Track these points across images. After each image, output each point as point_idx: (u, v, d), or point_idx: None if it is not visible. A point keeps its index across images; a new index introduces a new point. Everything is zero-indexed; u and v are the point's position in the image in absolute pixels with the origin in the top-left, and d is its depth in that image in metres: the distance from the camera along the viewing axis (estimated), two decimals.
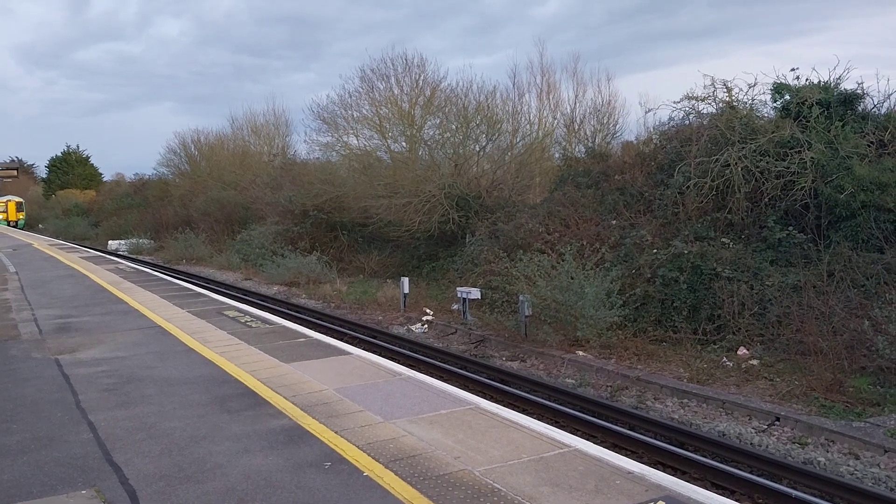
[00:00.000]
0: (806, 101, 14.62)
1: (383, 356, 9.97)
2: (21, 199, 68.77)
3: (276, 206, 29.44)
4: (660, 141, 18.03)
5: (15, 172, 72.14)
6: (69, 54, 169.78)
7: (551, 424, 6.97)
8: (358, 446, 5.29)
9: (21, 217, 66.74)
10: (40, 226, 60.64)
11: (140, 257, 35.14)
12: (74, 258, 23.90)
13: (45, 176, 78.25)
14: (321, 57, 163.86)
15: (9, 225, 62.73)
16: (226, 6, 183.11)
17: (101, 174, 76.43)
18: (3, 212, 66.10)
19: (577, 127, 25.73)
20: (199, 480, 4.72)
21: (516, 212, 19.49)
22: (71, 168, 74.58)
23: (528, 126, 25.57)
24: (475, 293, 15.81)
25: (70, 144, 78.38)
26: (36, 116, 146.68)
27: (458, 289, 16.52)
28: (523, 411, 9.10)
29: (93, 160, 77.84)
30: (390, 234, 23.69)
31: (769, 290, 12.53)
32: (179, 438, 5.55)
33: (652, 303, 13.65)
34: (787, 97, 15.23)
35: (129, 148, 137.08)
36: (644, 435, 9.03)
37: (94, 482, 4.73)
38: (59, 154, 76.30)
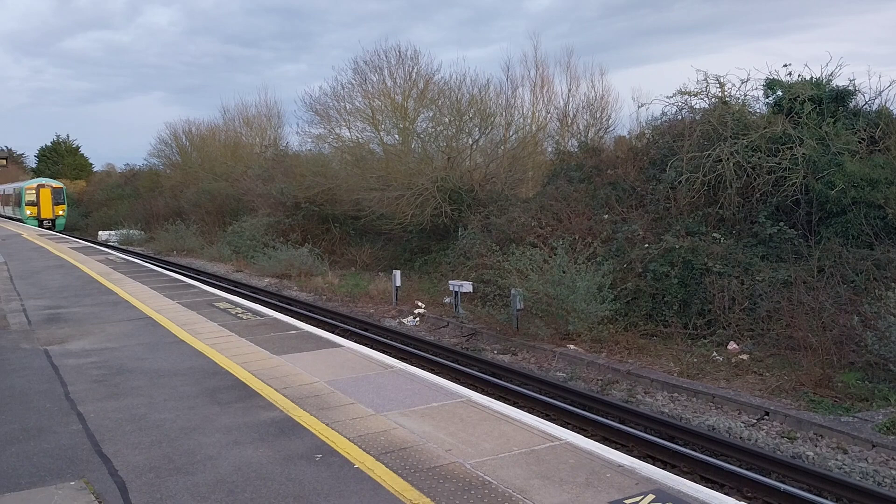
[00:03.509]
0: (798, 97, 14.67)
1: (375, 349, 9.97)
2: (61, 185, 48.28)
3: (267, 198, 29.34)
4: (652, 136, 18.06)
5: (4, 162, 70.22)
6: (57, 43, 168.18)
7: (542, 418, 6.97)
8: (349, 438, 5.29)
9: (61, 213, 46.42)
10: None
11: (130, 248, 34.96)
12: (64, 248, 23.75)
13: (34, 166, 77.59)
14: (312, 48, 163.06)
15: (41, 225, 43.37)
16: None
17: (92, 164, 75.99)
18: (33, 204, 45.26)
19: (570, 121, 25.69)
20: (190, 472, 4.70)
21: (509, 206, 19.50)
22: (61, 158, 74.01)
23: (521, 120, 25.55)
24: (467, 286, 15.82)
25: (60, 134, 77.73)
26: (24, 105, 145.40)
27: (450, 282, 16.51)
28: (514, 404, 9.10)
29: (83, 150, 77.44)
30: (382, 226, 23.67)
31: (759, 285, 12.58)
32: (169, 430, 5.53)
33: (643, 297, 13.69)
34: (780, 93, 15.28)
35: (120, 138, 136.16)
36: (634, 428, 9.06)
37: (84, 473, 4.70)
38: (49, 144, 75.80)
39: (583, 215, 16.81)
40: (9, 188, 53.82)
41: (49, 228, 42.44)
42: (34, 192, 45.36)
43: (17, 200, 48.06)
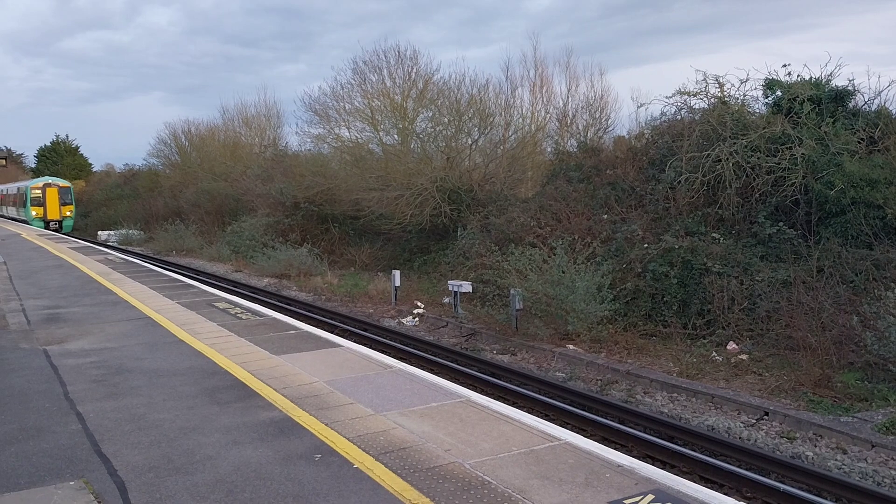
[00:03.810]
0: (797, 97, 14.67)
1: (374, 349, 9.97)
2: (68, 184, 45.27)
3: (266, 198, 29.35)
4: (651, 136, 18.06)
5: (3, 162, 69.62)
6: (56, 43, 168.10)
7: (542, 418, 6.98)
8: (348, 438, 5.28)
9: (69, 214, 43.66)
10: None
11: (130, 248, 34.93)
12: (63, 248, 23.74)
13: (34, 166, 77.51)
14: (312, 48, 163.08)
15: (47, 227, 40.76)
16: None
17: (91, 164, 75.90)
18: (39, 204, 42.37)
19: (569, 121, 25.71)
20: (189, 472, 4.70)
21: (508, 206, 19.50)
22: (60, 158, 73.84)
23: (520, 120, 25.56)
24: (466, 287, 15.82)
25: (59, 134, 77.62)
26: (24, 105, 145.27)
27: (449, 282, 16.51)
28: (514, 404, 9.11)
29: (82, 150, 77.23)
30: (382, 226, 23.67)
31: (759, 285, 12.58)
32: (169, 430, 5.53)
33: (642, 297, 13.69)
34: (779, 93, 15.28)
35: (119, 138, 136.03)
36: (634, 429, 9.06)
37: (83, 473, 4.70)
38: (48, 144, 75.70)
39: (582, 215, 16.81)
40: (12, 188, 51.17)
41: (56, 230, 39.75)
42: (40, 191, 42.39)
43: (21, 201, 44.95)
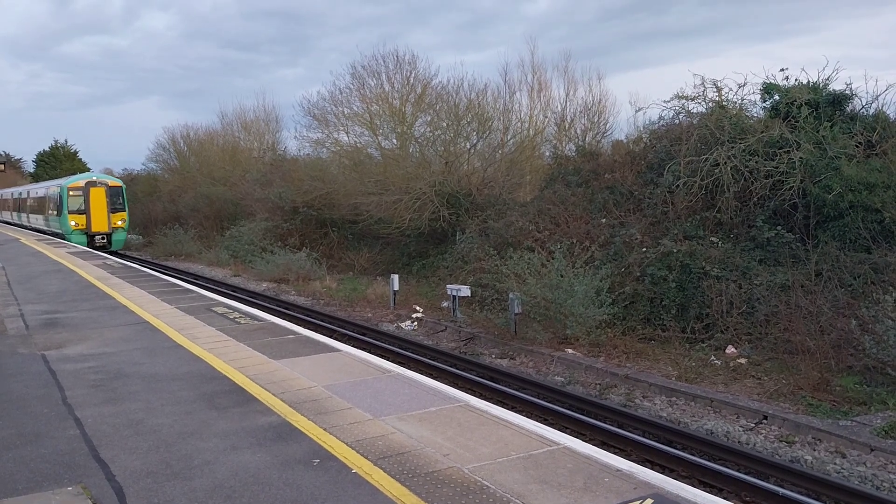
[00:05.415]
0: (795, 101, 14.70)
1: (373, 353, 9.96)
2: (119, 182, 33.24)
3: (265, 203, 29.36)
4: (650, 140, 18.09)
5: (2, 166, 69.55)
6: (54, 47, 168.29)
7: (540, 422, 6.97)
8: (347, 443, 5.28)
9: (121, 224, 31.91)
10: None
11: (128, 253, 34.89)
12: (62, 253, 23.72)
13: (32, 170, 77.57)
14: (310, 52, 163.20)
15: (91, 243, 30.11)
16: None
17: (90, 169, 75.90)
18: (80, 213, 30.69)
19: (567, 126, 25.72)
20: (187, 477, 4.69)
21: (507, 210, 19.51)
22: (59, 163, 73.88)
23: (518, 124, 25.60)
24: (465, 291, 15.82)
25: (57, 139, 77.54)
26: (22, 110, 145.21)
27: (447, 286, 16.51)
28: (512, 409, 9.11)
29: (80, 155, 77.40)
30: (380, 231, 23.67)
31: (757, 289, 12.59)
32: (167, 435, 5.52)
33: (641, 301, 13.69)
34: (777, 97, 15.32)
35: (117, 143, 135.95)
36: (633, 433, 9.06)
37: (81, 479, 4.69)
38: (47, 149, 75.83)
39: (580, 219, 16.83)
40: (39, 189, 39.29)
41: (101, 248, 29.67)
42: (81, 193, 30.79)
43: (54, 206, 33.35)
